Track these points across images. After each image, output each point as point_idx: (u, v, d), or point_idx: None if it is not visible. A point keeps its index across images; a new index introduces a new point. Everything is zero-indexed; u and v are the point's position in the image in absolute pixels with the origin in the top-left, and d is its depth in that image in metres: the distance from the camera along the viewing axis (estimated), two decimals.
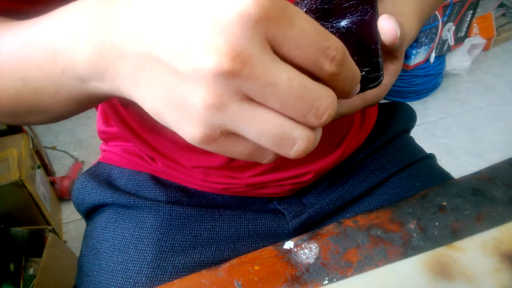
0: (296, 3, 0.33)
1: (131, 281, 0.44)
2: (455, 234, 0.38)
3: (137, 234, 0.47)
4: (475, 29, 1.96)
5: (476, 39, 1.94)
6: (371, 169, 0.53)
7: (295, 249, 0.38)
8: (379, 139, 0.56)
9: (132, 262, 0.45)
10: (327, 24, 0.31)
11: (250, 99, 0.21)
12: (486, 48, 2.08)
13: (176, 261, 0.45)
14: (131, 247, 0.46)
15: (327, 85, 0.22)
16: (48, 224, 1.27)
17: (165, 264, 0.45)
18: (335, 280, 0.36)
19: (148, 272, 0.44)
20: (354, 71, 0.23)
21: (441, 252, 0.37)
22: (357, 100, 0.33)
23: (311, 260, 0.37)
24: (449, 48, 1.85)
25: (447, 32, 1.78)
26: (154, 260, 0.45)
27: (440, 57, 1.85)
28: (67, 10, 0.28)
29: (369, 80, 0.28)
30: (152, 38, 0.22)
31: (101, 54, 0.24)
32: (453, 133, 1.71)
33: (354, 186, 0.52)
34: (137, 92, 0.24)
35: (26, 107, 0.33)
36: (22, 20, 0.32)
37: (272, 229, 0.50)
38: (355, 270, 0.36)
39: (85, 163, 1.70)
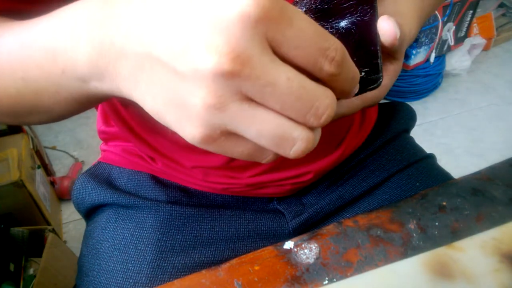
0: (296, 3, 0.33)
1: (131, 281, 0.44)
2: (455, 234, 0.38)
3: (137, 234, 0.47)
4: (475, 29, 1.96)
5: (476, 39, 1.94)
6: (371, 169, 0.53)
7: (295, 249, 0.38)
8: (379, 139, 0.56)
9: (132, 262, 0.45)
10: (327, 25, 0.31)
11: (250, 99, 0.21)
12: (486, 48, 2.08)
13: (176, 261, 0.45)
14: (131, 247, 0.46)
15: (327, 86, 0.22)
16: (48, 224, 1.27)
17: (165, 264, 0.45)
18: (335, 280, 0.36)
19: (148, 272, 0.44)
20: (353, 72, 0.23)
21: (441, 252, 0.37)
22: (357, 101, 0.33)
23: (311, 260, 0.37)
24: (449, 48, 1.85)
25: (447, 32, 1.78)
26: (154, 260, 0.45)
27: (440, 57, 1.85)
28: (67, 10, 0.28)
29: (368, 81, 0.28)
30: (152, 38, 0.22)
31: (101, 54, 0.25)
32: (453, 133, 1.71)
33: (354, 186, 0.52)
34: (137, 92, 0.24)
35: (27, 107, 0.33)
36: (23, 20, 0.32)
37: (272, 229, 0.50)
38: (355, 270, 0.36)
39: (85, 163, 1.70)
